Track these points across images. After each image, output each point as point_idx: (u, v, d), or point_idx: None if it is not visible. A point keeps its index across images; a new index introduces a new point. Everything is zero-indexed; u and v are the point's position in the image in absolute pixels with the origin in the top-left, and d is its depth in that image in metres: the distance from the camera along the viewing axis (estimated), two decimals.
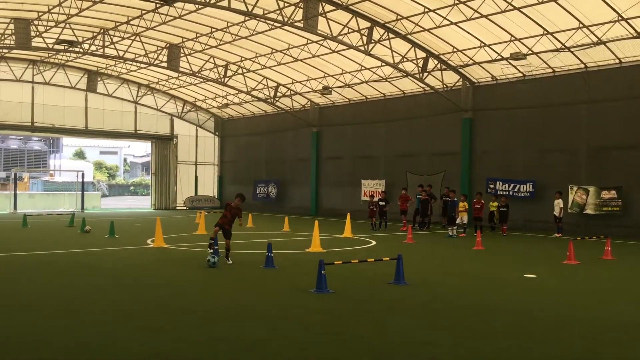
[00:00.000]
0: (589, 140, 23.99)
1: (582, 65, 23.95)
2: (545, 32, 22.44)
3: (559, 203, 22.70)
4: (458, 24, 23.22)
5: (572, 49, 22.97)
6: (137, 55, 31.36)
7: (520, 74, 25.94)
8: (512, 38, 23.45)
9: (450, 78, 28.20)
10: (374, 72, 29.77)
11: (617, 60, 22.93)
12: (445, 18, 22.82)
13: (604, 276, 12.96)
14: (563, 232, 22.52)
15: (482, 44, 24.60)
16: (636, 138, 22.50)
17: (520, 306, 9.43)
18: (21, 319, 8.23)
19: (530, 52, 23.77)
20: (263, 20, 24.16)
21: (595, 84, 23.73)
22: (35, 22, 25.92)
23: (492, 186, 26.23)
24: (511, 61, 24.62)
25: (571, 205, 23.88)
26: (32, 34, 25.77)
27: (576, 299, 10.10)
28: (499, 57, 24.94)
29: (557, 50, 23.27)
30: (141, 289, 10.69)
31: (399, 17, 23.94)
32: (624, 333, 7.77)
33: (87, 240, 19.26)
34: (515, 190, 25.63)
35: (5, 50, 32.68)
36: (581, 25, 21.39)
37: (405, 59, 26.60)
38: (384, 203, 25.47)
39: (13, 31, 25.76)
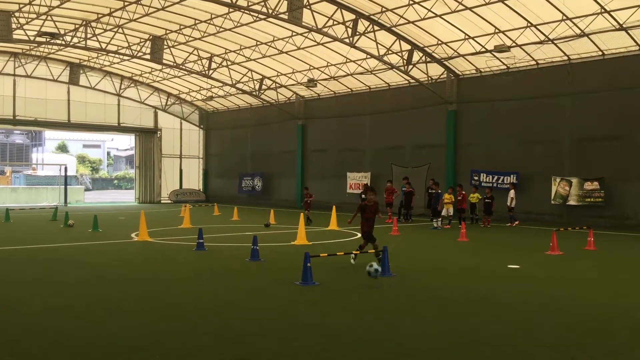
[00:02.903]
0: (572, 132, 24.20)
1: (566, 58, 24.12)
2: (529, 25, 22.54)
3: (510, 194, 23.44)
4: (442, 17, 23.26)
5: (555, 42, 23.11)
6: (119, 48, 31.06)
7: (504, 67, 26.06)
8: (496, 30, 23.53)
9: (435, 70, 28.27)
10: (359, 65, 29.75)
11: (600, 53, 23.11)
12: (429, 10, 22.84)
13: (587, 267, 13.09)
14: (519, 221, 23.20)
15: (467, 37, 24.67)
16: (619, 129, 22.73)
17: (505, 297, 9.50)
18: (3, 315, 8.14)
19: (514, 44, 23.89)
20: (247, 12, 24.02)
21: (579, 76, 23.91)
22: (17, 14, 25.55)
23: (476, 178, 26.38)
24: (495, 54, 24.73)
25: (554, 196, 24.09)
26: (13, 26, 25.40)
27: (560, 290, 10.19)
28: (483, 50, 25.04)
29: (541, 42, 23.40)
30: (125, 283, 10.62)
31: (383, 9, 23.92)
32: (607, 323, 7.86)
33: (71, 235, 19.11)
34: (499, 182, 25.80)
35: None
36: (564, 18, 21.52)
37: (390, 52, 26.61)
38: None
39: None
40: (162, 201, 42.97)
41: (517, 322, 7.81)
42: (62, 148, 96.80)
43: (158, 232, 19.66)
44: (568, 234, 18.49)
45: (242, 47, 30.74)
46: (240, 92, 36.76)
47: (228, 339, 6.95)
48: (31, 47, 33.73)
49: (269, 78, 34.83)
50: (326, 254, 11.86)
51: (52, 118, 38.79)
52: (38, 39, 27.75)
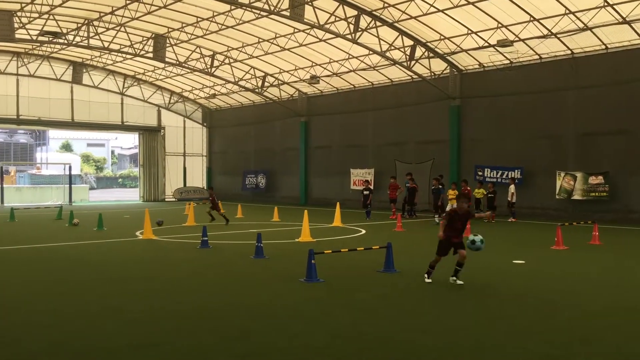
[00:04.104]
0: (576, 126, 24.12)
1: (569, 52, 24.03)
2: (532, 19, 22.46)
3: (511, 189, 23.59)
4: (445, 12, 23.19)
5: (558, 35, 23.02)
6: (122, 46, 31.08)
7: (507, 61, 25.98)
8: (499, 25, 23.45)
9: (438, 66, 28.19)
10: (362, 61, 29.70)
11: (603, 46, 23.01)
12: (432, 5, 22.78)
13: (592, 261, 13.06)
14: (517, 217, 23.31)
15: (469, 31, 24.59)
16: (623, 123, 22.65)
17: (510, 292, 9.48)
18: (7, 314, 8.16)
19: (517, 39, 23.80)
20: (249, 9, 23.98)
21: (582, 69, 23.82)
22: (19, 14, 25.59)
23: (480, 173, 26.33)
24: (498, 48, 24.65)
25: (559, 191, 24.04)
26: (16, 25, 25.44)
27: (565, 285, 10.17)
28: (486, 45, 24.96)
29: (544, 36, 23.31)
30: (130, 282, 10.63)
31: (385, 4, 23.85)
32: (612, 318, 7.84)
33: (76, 234, 19.14)
34: (504, 177, 25.75)
35: None
36: (567, 12, 21.43)
37: (392, 47, 26.55)
38: (367, 192, 25.53)
39: None
40: (166, 199, 43.03)
41: (523, 317, 7.80)
42: (66, 147, 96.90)
43: (162, 230, 19.68)
44: (573, 228, 18.45)
45: (244, 45, 30.72)
46: (243, 89, 36.75)
47: (233, 336, 6.96)
48: (34, 46, 33.76)
49: (271, 75, 34.81)
50: (330, 251, 11.85)
51: (56, 117, 38.85)
52: (40, 38, 27.78)
